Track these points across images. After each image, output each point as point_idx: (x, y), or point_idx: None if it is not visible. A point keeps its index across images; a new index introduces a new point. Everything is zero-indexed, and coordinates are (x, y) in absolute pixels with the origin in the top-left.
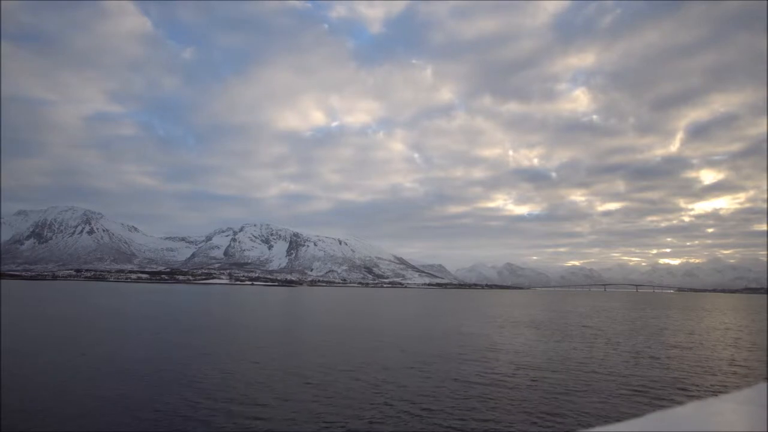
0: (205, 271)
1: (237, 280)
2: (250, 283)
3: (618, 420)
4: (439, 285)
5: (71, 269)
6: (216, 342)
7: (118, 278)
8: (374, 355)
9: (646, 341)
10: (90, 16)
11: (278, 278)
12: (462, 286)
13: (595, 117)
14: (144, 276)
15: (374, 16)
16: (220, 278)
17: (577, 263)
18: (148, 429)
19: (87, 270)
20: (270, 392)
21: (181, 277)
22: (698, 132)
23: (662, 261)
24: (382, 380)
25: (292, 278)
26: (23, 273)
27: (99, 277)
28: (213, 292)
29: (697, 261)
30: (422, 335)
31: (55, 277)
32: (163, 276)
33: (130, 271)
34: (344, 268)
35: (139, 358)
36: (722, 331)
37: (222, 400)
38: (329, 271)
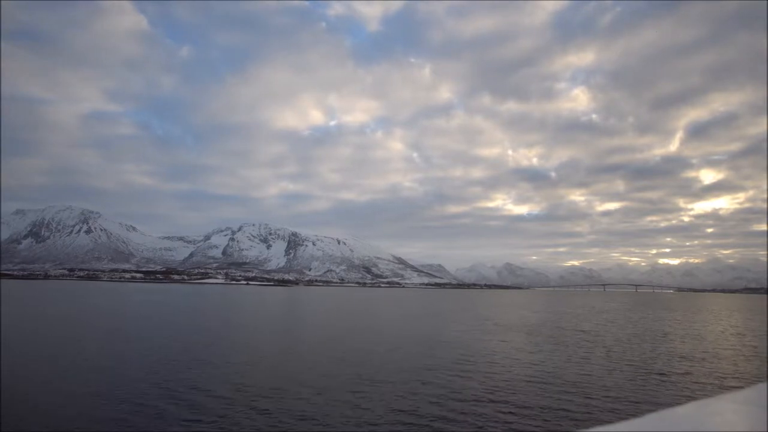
0: (201, 271)
1: (232, 279)
2: (245, 282)
3: (617, 420)
4: (437, 285)
5: (66, 269)
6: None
7: (111, 278)
8: (314, 373)
9: (651, 351)
10: (86, 14)
11: (275, 278)
12: (460, 286)
13: (594, 116)
14: (138, 275)
15: (372, 14)
16: (215, 278)
17: (576, 263)
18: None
19: (80, 269)
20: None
21: (176, 277)
22: (698, 131)
23: (662, 261)
24: (297, 415)
25: (290, 278)
26: (13, 272)
27: (92, 276)
28: (198, 293)
29: (697, 261)
30: (393, 343)
31: (47, 277)
32: (157, 276)
33: (124, 271)
34: (343, 267)
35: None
36: (736, 336)
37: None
38: (328, 271)
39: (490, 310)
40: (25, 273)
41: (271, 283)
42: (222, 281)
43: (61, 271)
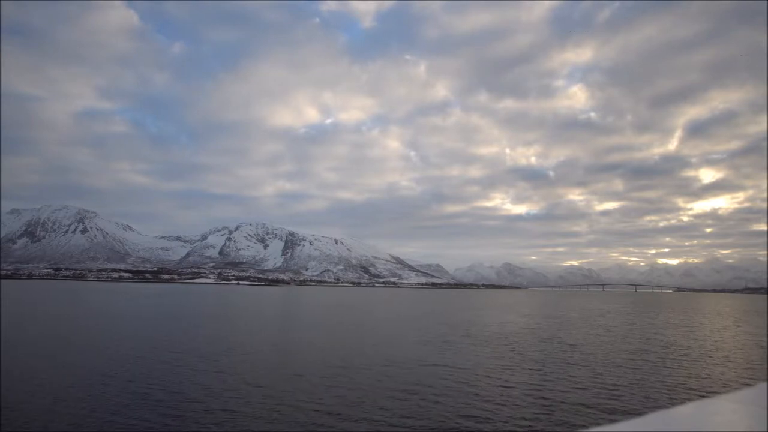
0: (194, 270)
1: (224, 279)
2: (236, 282)
3: (618, 420)
4: (433, 285)
5: (53, 268)
6: None
7: (98, 277)
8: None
9: (664, 382)
10: (76, 10)
11: (268, 278)
12: (457, 285)
13: (592, 114)
14: (126, 275)
15: (366, 10)
16: (207, 277)
17: (575, 263)
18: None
19: (67, 269)
20: None
21: (165, 276)
22: (697, 130)
23: (661, 261)
24: None
25: (284, 278)
26: (5, 272)
27: (78, 276)
28: (176, 292)
29: (696, 261)
30: (312, 366)
31: (30, 276)
32: (146, 275)
33: (113, 270)
34: (340, 267)
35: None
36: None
37: None
38: (325, 271)
39: (472, 314)
40: (9, 272)
41: (263, 283)
42: (212, 281)
43: (46, 270)
